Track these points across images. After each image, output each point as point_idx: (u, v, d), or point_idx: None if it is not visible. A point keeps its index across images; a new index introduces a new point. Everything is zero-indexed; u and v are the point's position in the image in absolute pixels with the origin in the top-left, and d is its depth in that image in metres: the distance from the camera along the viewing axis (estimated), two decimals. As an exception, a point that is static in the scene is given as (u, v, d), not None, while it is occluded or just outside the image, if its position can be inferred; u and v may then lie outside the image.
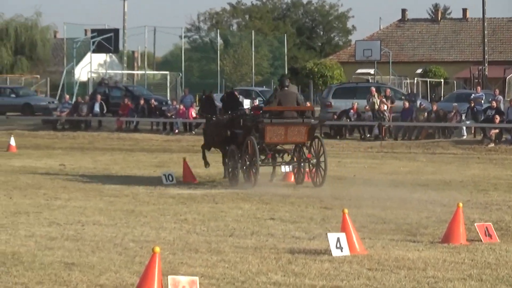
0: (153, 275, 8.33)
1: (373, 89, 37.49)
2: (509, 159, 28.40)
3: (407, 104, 36.24)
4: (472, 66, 63.35)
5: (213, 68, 65.24)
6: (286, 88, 19.27)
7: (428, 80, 65.81)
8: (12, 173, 21.54)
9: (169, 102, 42.60)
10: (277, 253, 10.90)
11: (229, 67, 68.47)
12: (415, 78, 62.65)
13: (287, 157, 19.63)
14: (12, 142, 30.45)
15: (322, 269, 9.98)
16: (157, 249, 8.42)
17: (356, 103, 36.50)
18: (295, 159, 19.32)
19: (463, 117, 34.85)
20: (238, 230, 12.88)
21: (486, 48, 57.16)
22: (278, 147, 19.49)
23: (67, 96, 44.84)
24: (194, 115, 37.67)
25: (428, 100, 51.16)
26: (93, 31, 52.26)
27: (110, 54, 56.43)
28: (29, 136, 37.87)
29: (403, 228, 13.04)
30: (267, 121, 18.77)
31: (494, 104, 33.87)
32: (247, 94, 48.60)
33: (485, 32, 56.87)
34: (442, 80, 67.18)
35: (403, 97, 38.78)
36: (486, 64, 56.79)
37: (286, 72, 64.60)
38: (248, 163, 18.63)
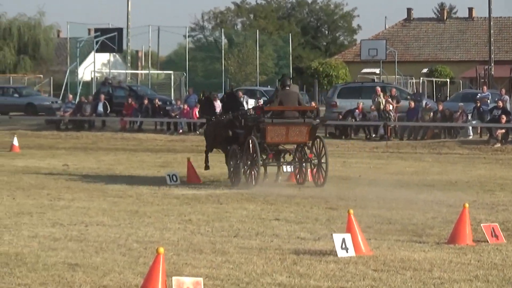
0: (157, 276, 8.31)
1: (379, 88, 37.42)
2: (515, 159, 28.34)
3: (412, 104, 36.18)
4: (478, 66, 63.22)
5: (217, 67, 65.17)
6: (288, 88, 19.24)
7: (434, 79, 65.78)
8: (15, 174, 21.51)
9: (173, 102, 42.61)
10: (282, 254, 10.85)
11: (234, 66, 68.44)
12: (421, 78, 62.63)
13: (288, 157, 19.59)
14: (15, 142, 30.41)
15: (327, 270, 9.94)
16: (161, 250, 8.39)
17: (361, 103, 36.45)
18: (296, 159, 19.27)
19: (469, 117, 34.78)
20: (243, 230, 12.83)
21: (492, 48, 57.01)
22: (280, 147, 19.44)
23: (71, 96, 44.76)
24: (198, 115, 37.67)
25: (434, 100, 51.12)
26: (96, 30, 52.27)
27: (114, 53, 56.54)
28: (32, 136, 37.86)
29: (408, 229, 12.99)
30: (268, 121, 18.74)
31: (500, 104, 33.79)
32: (252, 94, 48.63)
33: (491, 31, 56.73)
34: (448, 80, 67.13)
35: (408, 97, 38.74)
36: (492, 64, 56.64)
37: (291, 72, 64.53)
38: (249, 163, 18.58)
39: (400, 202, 15.95)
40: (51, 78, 57.48)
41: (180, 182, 19.34)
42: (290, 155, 19.53)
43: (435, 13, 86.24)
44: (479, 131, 34.46)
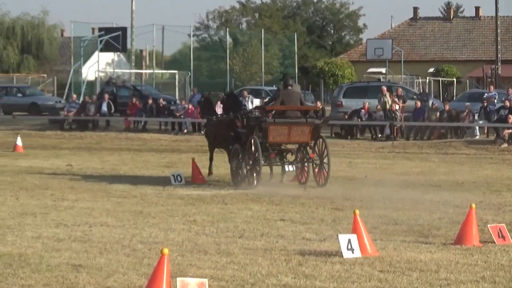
0: (161, 277, 8.28)
1: (385, 88, 37.35)
2: (522, 159, 28.25)
3: (419, 103, 36.10)
4: (485, 65, 63.10)
5: (222, 67, 65.14)
6: (290, 88, 19.21)
7: (440, 79, 65.68)
8: (19, 174, 21.48)
9: (178, 101, 42.53)
10: (287, 255, 10.82)
11: (239, 66, 68.37)
12: (427, 77, 62.52)
13: (290, 157, 19.57)
14: (19, 142, 30.39)
15: (333, 271, 9.90)
16: (166, 250, 8.35)
17: (367, 103, 36.38)
18: (298, 159, 19.22)
19: (476, 117, 34.69)
20: (248, 231, 12.79)
21: (499, 47, 56.91)
22: (282, 146, 19.40)
23: (74, 96, 44.74)
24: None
25: (440, 99, 51.05)
26: (100, 29, 52.24)
27: (118, 53, 56.47)
28: (36, 136, 37.83)
29: (415, 230, 12.95)
30: (270, 121, 18.73)
31: (507, 103, 33.68)
32: (257, 94, 48.55)
33: (498, 30, 56.63)
34: (455, 79, 67.04)
35: (415, 97, 38.66)
36: (499, 63, 56.53)
37: (296, 71, 64.48)
38: (251, 162, 18.55)
39: (406, 202, 15.91)
40: (55, 77, 57.46)
41: (185, 182, 19.30)
42: (292, 155, 19.50)
43: (441, 12, 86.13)
44: (486, 131, 34.37)
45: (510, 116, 32.67)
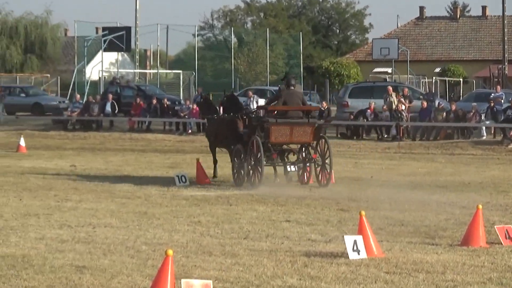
0: (166, 279, 8.25)
1: (391, 88, 37.26)
2: (529, 159, 28.18)
3: (425, 103, 36.02)
4: (491, 65, 62.96)
5: (227, 67, 65.15)
6: (292, 88, 19.20)
7: (447, 79, 65.61)
8: (22, 174, 21.45)
9: (182, 101, 42.51)
10: (292, 256, 10.77)
11: (243, 66, 68.34)
12: (434, 77, 62.46)
13: (292, 157, 19.56)
14: (22, 142, 30.38)
15: (338, 273, 9.87)
16: (170, 252, 8.31)
17: (373, 103, 36.31)
18: (300, 159, 19.21)
19: (483, 117, 34.60)
20: (253, 232, 12.75)
21: (506, 47, 56.77)
22: (284, 146, 19.36)
23: (78, 96, 44.72)
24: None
25: (446, 99, 51.00)
26: (104, 29, 52.27)
27: (122, 52, 56.48)
28: (39, 136, 37.83)
29: (421, 231, 12.90)
30: (273, 121, 18.70)
31: (514, 103, 33.60)
32: (262, 94, 48.44)
33: (505, 30, 56.49)
34: (461, 79, 66.96)
35: (421, 97, 38.58)
36: (506, 63, 56.41)
37: (301, 71, 64.45)
38: (253, 162, 18.50)
39: (412, 203, 15.89)
40: (58, 77, 57.55)
41: (189, 183, 19.26)
42: (294, 155, 19.48)
43: (448, 12, 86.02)
44: (492, 132, 34.27)
45: (516, 116, 32.60)
